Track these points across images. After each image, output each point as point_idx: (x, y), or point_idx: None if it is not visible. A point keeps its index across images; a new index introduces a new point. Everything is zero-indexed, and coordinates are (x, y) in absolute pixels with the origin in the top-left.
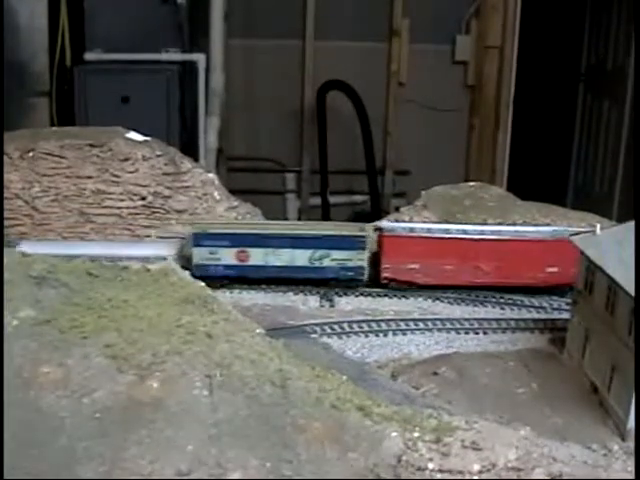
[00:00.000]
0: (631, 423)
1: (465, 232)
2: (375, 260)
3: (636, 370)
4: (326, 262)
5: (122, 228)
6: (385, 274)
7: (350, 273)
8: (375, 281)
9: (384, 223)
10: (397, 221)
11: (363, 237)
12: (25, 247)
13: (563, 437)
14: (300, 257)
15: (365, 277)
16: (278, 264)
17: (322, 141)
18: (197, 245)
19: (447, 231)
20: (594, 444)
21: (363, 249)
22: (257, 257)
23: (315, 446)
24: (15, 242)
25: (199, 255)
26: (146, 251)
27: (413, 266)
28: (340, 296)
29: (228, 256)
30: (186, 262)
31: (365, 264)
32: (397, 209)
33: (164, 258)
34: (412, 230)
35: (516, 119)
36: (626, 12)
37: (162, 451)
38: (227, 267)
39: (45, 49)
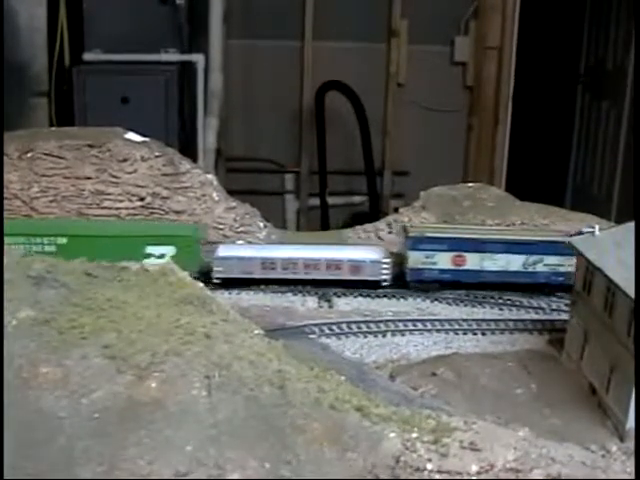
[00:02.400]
0: (630, 424)
1: None
2: None
3: (635, 371)
4: (539, 267)
5: None
6: None
7: (561, 278)
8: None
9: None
10: (401, 222)
11: None
12: (224, 251)
13: (562, 438)
14: (515, 262)
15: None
16: (493, 269)
17: (321, 142)
18: (413, 249)
19: None
20: (593, 445)
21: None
22: (473, 262)
23: (314, 447)
24: (214, 247)
25: (415, 259)
26: (356, 254)
27: None
28: (339, 297)
29: (444, 260)
30: (398, 265)
31: None
32: (396, 210)
33: (381, 261)
34: None
35: (515, 120)
36: (625, 13)
37: (161, 452)
38: (442, 271)
39: (44, 49)
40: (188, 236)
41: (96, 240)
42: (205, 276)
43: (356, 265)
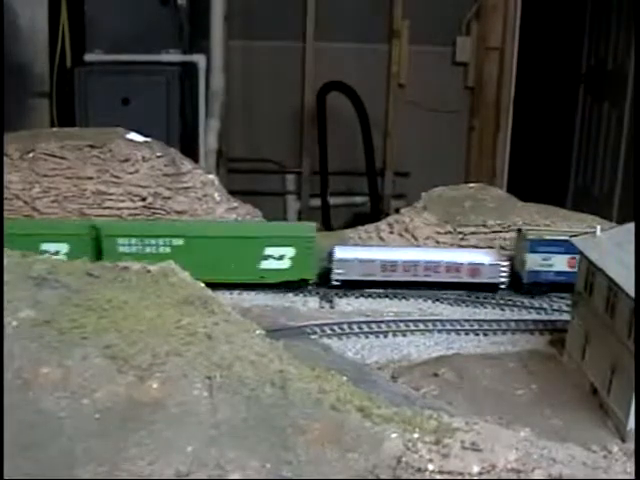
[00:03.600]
0: (631, 424)
1: None
2: None
3: (636, 371)
4: None
5: None
6: None
7: None
8: None
9: None
10: (397, 222)
11: None
12: (341, 253)
13: (563, 438)
14: None
15: None
16: None
17: (322, 142)
18: (533, 251)
19: None
20: (594, 445)
21: None
22: None
23: (315, 447)
24: (329, 249)
25: (533, 261)
26: (475, 257)
27: None
28: (340, 297)
29: (560, 263)
30: (511, 268)
31: None
32: (397, 210)
33: (500, 264)
34: None
35: (516, 120)
36: (626, 14)
37: (162, 452)
38: (558, 273)
39: (46, 51)
40: (309, 237)
41: (213, 241)
42: (321, 278)
43: (475, 268)
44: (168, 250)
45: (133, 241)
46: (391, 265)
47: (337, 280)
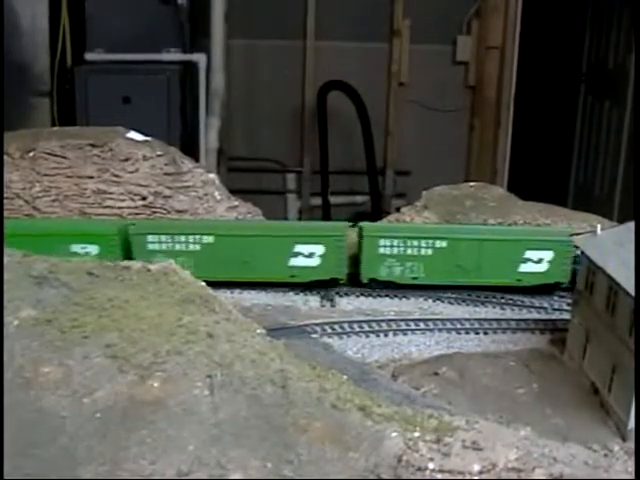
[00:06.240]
0: (631, 424)
1: None
2: None
3: (636, 371)
4: None
5: None
6: None
7: None
8: None
9: None
10: (397, 221)
11: None
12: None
13: (564, 437)
14: None
15: None
16: None
17: (323, 141)
18: None
19: None
20: (595, 444)
21: None
22: None
23: (316, 446)
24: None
25: None
26: None
27: None
28: (341, 296)
29: None
30: None
31: None
32: (398, 209)
33: None
34: None
35: (517, 119)
36: (627, 12)
37: (163, 451)
38: None
39: (46, 49)
40: (567, 241)
41: (476, 243)
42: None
43: None
44: (430, 252)
45: (395, 242)
46: None
47: None
